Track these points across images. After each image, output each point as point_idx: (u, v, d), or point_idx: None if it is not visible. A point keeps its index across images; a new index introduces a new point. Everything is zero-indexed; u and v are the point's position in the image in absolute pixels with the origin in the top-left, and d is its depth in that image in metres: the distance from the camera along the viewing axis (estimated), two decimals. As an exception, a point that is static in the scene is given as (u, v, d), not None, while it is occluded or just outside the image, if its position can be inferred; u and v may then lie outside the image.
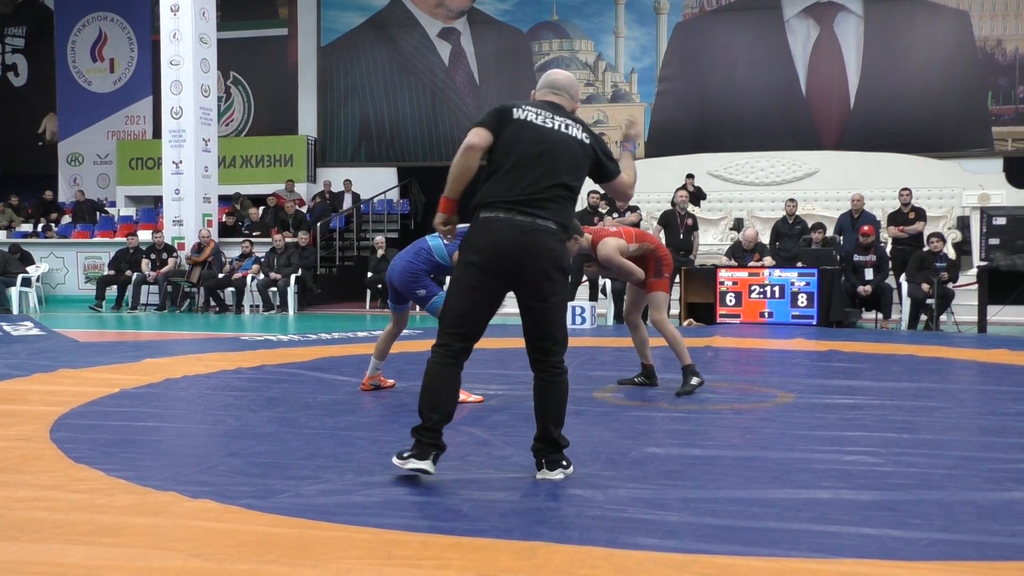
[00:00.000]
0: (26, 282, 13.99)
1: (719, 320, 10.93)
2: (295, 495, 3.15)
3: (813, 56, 16.94)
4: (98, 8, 20.31)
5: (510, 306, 5.09)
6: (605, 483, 3.32)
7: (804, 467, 3.60)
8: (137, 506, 3.01)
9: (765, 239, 12.53)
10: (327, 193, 17.59)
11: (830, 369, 6.93)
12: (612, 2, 18.00)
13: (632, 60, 17.97)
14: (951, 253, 12.39)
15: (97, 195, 19.70)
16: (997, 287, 10.15)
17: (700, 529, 2.78)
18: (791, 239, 12.18)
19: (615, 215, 12.33)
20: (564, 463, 3.41)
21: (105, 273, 14.74)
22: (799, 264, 11.08)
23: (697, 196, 14.91)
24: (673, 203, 12.46)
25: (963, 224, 14.00)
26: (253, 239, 14.78)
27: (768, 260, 11.39)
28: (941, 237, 11.00)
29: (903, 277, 10.94)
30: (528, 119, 3.36)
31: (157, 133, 17.51)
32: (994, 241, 10.25)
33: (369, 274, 14.10)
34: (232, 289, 13.79)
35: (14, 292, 13.65)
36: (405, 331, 6.04)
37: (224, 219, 15.80)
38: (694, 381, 5.51)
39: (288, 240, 14.24)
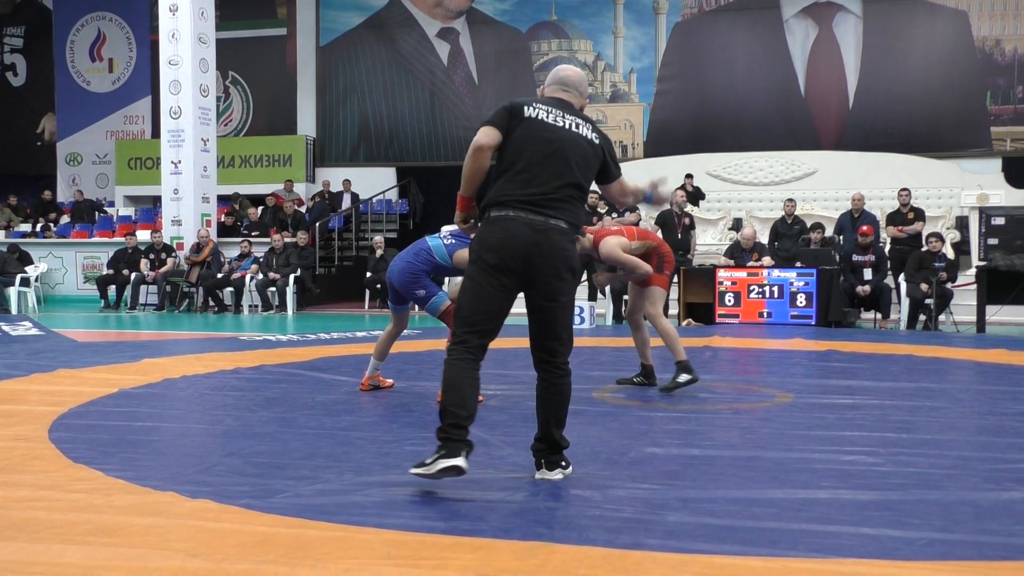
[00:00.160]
0: (25, 282, 13.98)
1: (718, 320, 10.94)
2: (294, 495, 3.15)
3: (812, 56, 16.95)
4: (97, 8, 20.30)
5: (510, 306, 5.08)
6: (604, 483, 3.32)
7: (803, 467, 3.61)
8: (136, 506, 3.01)
9: (764, 239, 12.54)
10: (326, 193, 17.59)
11: (829, 369, 6.94)
12: (611, 2, 18.00)
13: (631, 60, 17.97)
14: (950, 253, 12.40)
15: (96, 195, 19.70)
16: (996, 287, 10.16)
17: (699, 529, 2.78)
18: (790, 239, 12.19)
19: (614, 215, 12.33)
20: (563, 463, 3.41)
21: (104, 273, 14.74)
22: (798, 264, 11.09)
23: (696, 196, 14.92)
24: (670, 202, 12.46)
25: (962, 224, 14.01)
26: (252, 239, 14.78)
27: (767, 260, 11.39)
28: (940, 237, 11.01)
29: (902, 277, 10.94)
30: (539, 117, 3.33)
31: (156, 133, 17.53)
32: (993, 241, 10.26)
33: (368, 274, 14.10)
34: (231, 289, 13.79)
35: (13, 292, 13.64)
36: (405, 331, 6.04)
37: (223, 219, 15.80)
38: (682, 378, 5.47)
39: (287, 240, 14.24)
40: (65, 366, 6.59)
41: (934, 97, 16.24)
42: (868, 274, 10.91)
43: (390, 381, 5.77)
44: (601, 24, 18.10)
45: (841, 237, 12.17)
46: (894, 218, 12.17)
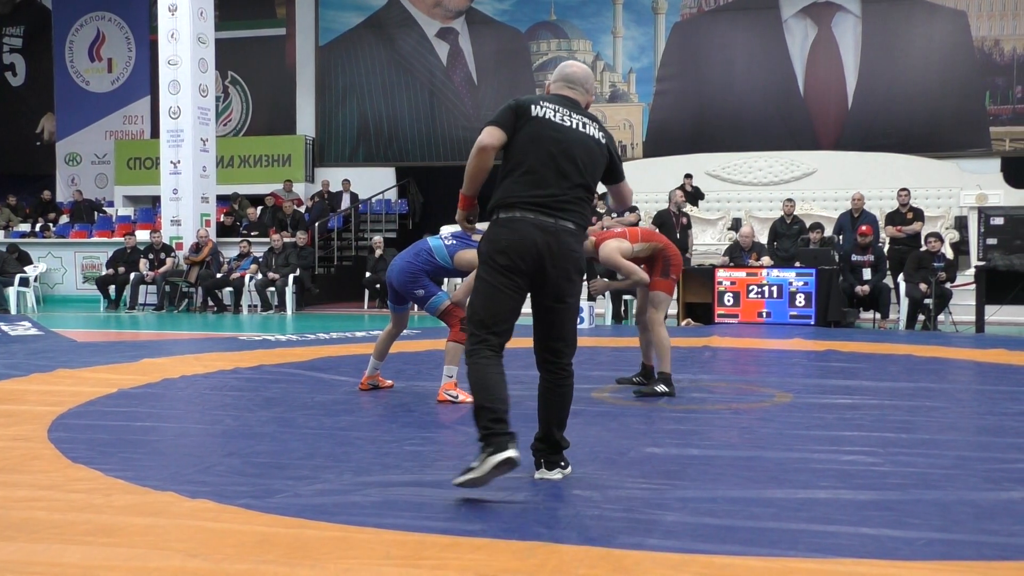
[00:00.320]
0: (24, 282, 13.98)
1: (717, 320, 10.93)
2: (293, 495, 3.15)
3: (811, 56, 16.95)
4: (96, 8, 20.29)
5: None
6: (603, 483, 3.32)
7: (802, 467, 3.61)
8: (135, 506, 3.01)
9: (763, 239, 12.54)
10: (325, 193, 17.59)
11: (828, 369, 6.94)
12: (610, 2, 18.00)
13: (630, 60, 17.97)
14: (949, 253, 12.40)
15: (95, 195, 19.69)
16: (995, 287, 10.16)
17: (698, 529, 2.78)
18: (789, 239, 12.19)
19: (614, 215, 12.32)
20: (563, 463, 3.41)
21: (103, 273, 14.73)
22: (797, 264, 11.09)
23: (695, 196, 14.91)
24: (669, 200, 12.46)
25: (961, 224, 14.02)
26: (251, 239, 14.77)
27: (766, 260, 11.39)
28: (939, 237, 11.01)
29: (901, 277, 10.94)
30: (547, 116, 3.30)
31: (155, 133, 17.52)
32: (992, 241, 10.26)
33: (367, 274, 14.10)
34: (230, 289, 13.79)
35: (12, 292, 13.64)
36: (405, 331, 6.04)
37: (222, 219, 15.79)
38: (660, 388, 5.41)
39: (286, 240, 14.23)
40: (64, 366, 6.59)
41: (933, 97, 16.24)
42: (867, 274, 10.91)
43: (389, 382, 5.76)
44: (600, 24, 18.10)
45: (840, 237, 12.17)
46: (893, 218, 12.18)
